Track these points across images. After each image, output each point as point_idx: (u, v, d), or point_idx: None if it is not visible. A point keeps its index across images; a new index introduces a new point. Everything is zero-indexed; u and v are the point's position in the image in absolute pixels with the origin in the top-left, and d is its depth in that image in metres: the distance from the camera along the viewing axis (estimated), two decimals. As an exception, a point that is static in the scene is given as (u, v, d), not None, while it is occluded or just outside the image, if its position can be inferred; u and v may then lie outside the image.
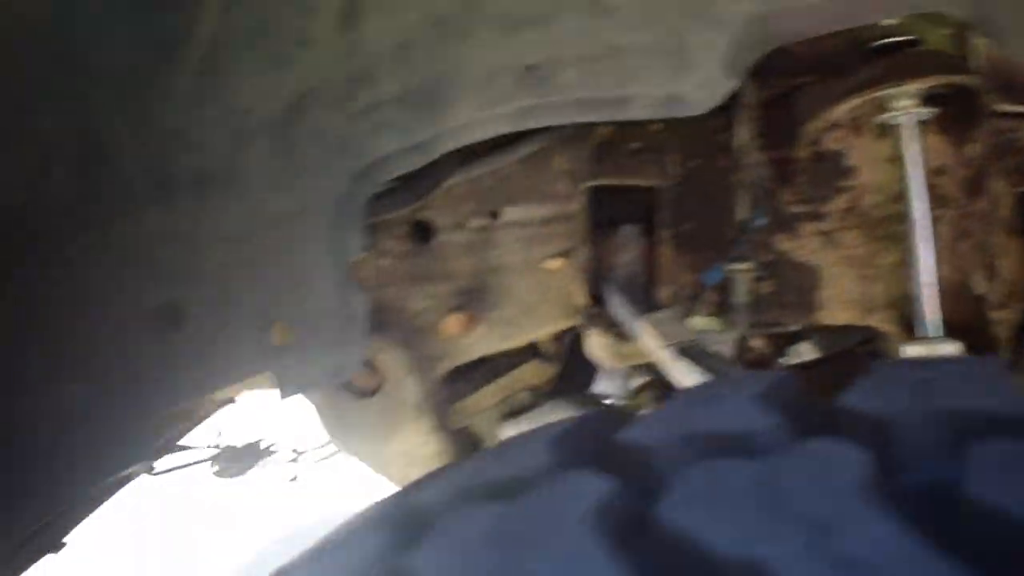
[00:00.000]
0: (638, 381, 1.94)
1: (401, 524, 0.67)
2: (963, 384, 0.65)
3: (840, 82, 1.43)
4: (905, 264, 1.45)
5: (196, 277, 1.37)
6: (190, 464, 2.21)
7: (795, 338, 2.84)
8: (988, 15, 1.13)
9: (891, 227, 1.53)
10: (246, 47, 1.30)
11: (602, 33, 1.28)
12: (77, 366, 1.35)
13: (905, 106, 1.39)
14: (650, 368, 1.70)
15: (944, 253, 1.55)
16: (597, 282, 1.50)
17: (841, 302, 1.60)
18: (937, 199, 1.55)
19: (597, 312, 1.48)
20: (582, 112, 1.32)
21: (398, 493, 0.78)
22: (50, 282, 1.34)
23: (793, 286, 1.61)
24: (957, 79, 1.34)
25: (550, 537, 0.55)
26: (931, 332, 1.39)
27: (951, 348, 1.36)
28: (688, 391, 0.83)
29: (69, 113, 1.30)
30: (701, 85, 1.24)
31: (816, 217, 1.59)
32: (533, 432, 0.77)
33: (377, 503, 0.76)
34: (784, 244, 1.60)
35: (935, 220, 1.55)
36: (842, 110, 1.41)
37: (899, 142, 1.42)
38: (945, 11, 1.16)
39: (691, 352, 1.24)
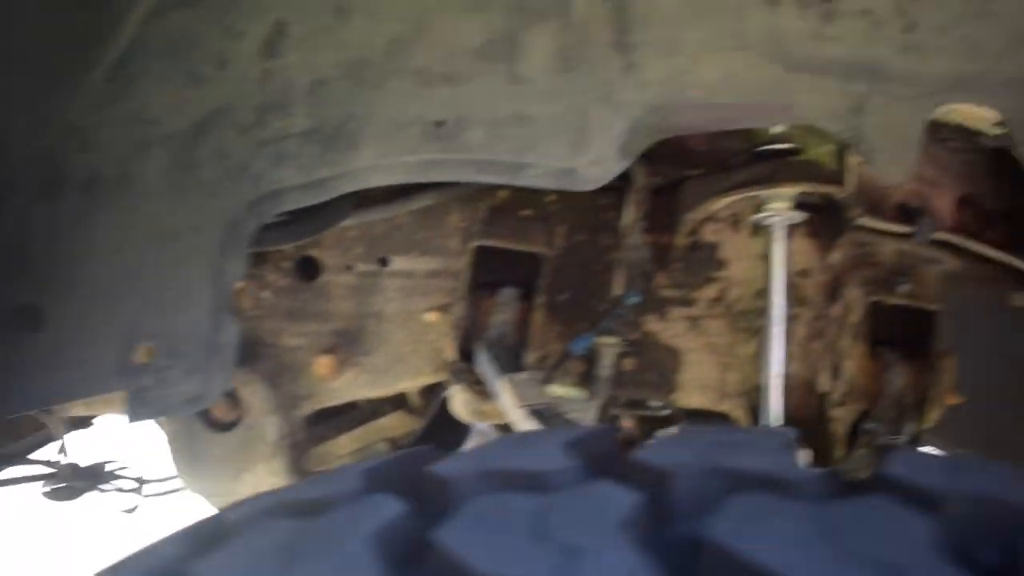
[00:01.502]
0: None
1: (203, 535, 0.71)
2: (745, 447, 0.73)
3: (722, 178, 1.52)
4: (759, 356, 1.53)
5: (66, 282, 1.34)
6: (24, 480, 2.09)
7: (665, 422, 2.94)
8: (860, 135, 1.25)
9: (752, 320, 1.62)
10: (163, 58, 1.30)
11: (511, 100, 1.34)
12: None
13: (777, 208, 1.49)
14: (507, 428, 1.74)
15: (797, 350, 1.66)
16: (469, 340, 1.53)
17: (699, 386, 1.68)
18: (798, 299, 1.66)
19: (463, 368, 1.50)
20: (481, 172, 1.36)
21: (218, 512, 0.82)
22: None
23: (655, 365, 1.67)
24: (826, 190, 1.45)
25: (332, 552, 0.59)
26: (772, 422, 1.47)
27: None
28: (508, 435, 0.89)
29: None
30: (594, 163, 1.31)
31: (686, 303, 1.67)
32: (355, 462, 0.82)
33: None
34: (652, 325, 1.67)
35: (793, 318, 1.65)
36: (720, 205, 1.50)
37: (768, 241, 1.51)
38: (821, 127, 1.26)
39: (542, 415, 1.28)
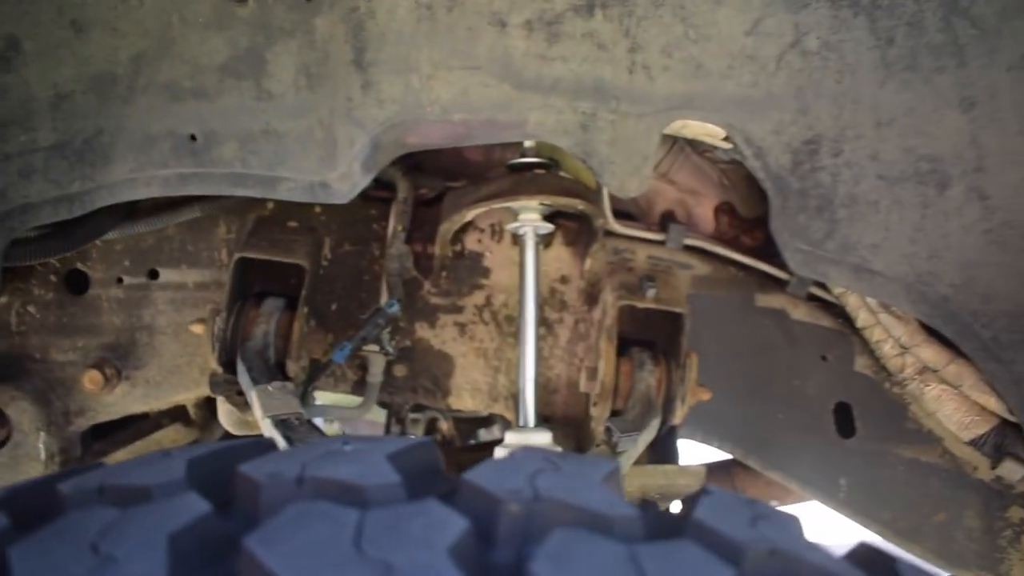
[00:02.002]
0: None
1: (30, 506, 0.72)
2: (573, 478, 0.74)
3: (472, 191, 1.58)
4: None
5: None
6: None
7: (482, 423, 3.00)
8: (590, 150, 1.32)
9: (517, 325, 1.68)
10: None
11: (260, 115, 1.37)
12: None
13: (527, 219, 1.56)
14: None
15: (561, 353, 1.74)
16: (234, 350, 1.54)
17: (471, 389, 1.74)
18: (560, 304, 1.73)
19: (223, 379, 1.51)
20: (236, 186, 1.39)
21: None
22: None
23: (428, 371, 1.72)
24: (568, 201, 1.53)
25: (140, 547, 0.60)
26: (529, 422, 1.54)
27: (543, 437, 1.50)
28: (329, 440, 0.88)
29: None
30: (343, 177, 1.35)
31: (454, 310, 1.72)
32: (178, 449, 0.81)
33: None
34: (423, 332, 1.72)
35: (557, 323, 1.73)
36: (470, 216, 1.57)
37: (522, 251, 1.58)
38: (553, 142, 1.33)
39: (288, 425, 1.30)
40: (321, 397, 1.90)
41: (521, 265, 1.58)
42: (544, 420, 1.82)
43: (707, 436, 1.77)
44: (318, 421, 1.87)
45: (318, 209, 1.71)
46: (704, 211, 1.93)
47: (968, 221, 1.49)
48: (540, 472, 0.74)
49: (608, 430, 1.39)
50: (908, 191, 1.51)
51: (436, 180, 1.71)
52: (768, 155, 1.35)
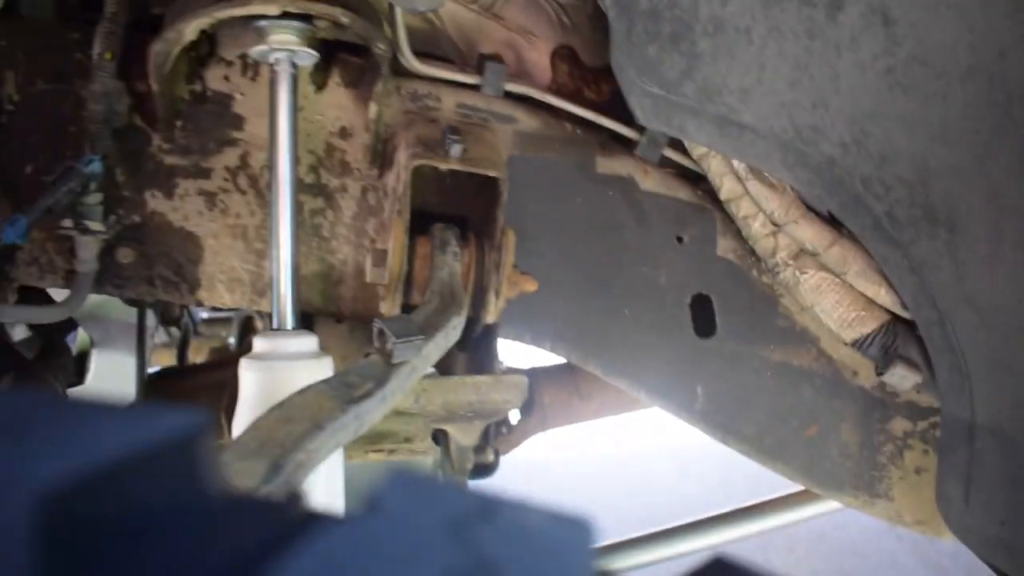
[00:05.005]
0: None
1: None
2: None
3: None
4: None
5: None
6: None
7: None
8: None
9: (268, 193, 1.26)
10: None
11: None
12: None
13: (279, 41, 1.12)
14: None
15: (347, 231, 1.32)
16: None
17: (228, 280, 1.31)
18: (341, 167, 1.31)
19: None
20: None
21: None
22: None
23: (167, 256, 1.28)
24: (324, 9, 1.08)
25: None
26: (285, 323, 1.14)
27: (303, 344, 1.11)
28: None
29: None
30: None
31: (198, 174, 1.28)
32: None
33: None
34: (157, 204, 1.27)
35: (339, 191, 1.32)
36: (194, 31, 1.10)
37: (273, 89, 1.15)
38: None
39: None
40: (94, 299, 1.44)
41: (272, 108, 1.14)
42: (336, 319, 1.43)
43: (536, 337, 1.40)
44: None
45: (-7, 30, 1.22)
46: (539, 56, 1.52)
47: (866, 56, 1.13)
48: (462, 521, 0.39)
49: (381, 333, 0.99)
50: (789, 15, 1.14)
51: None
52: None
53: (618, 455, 5.03)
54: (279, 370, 1.06)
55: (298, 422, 0.80)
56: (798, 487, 1.75)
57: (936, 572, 3.79)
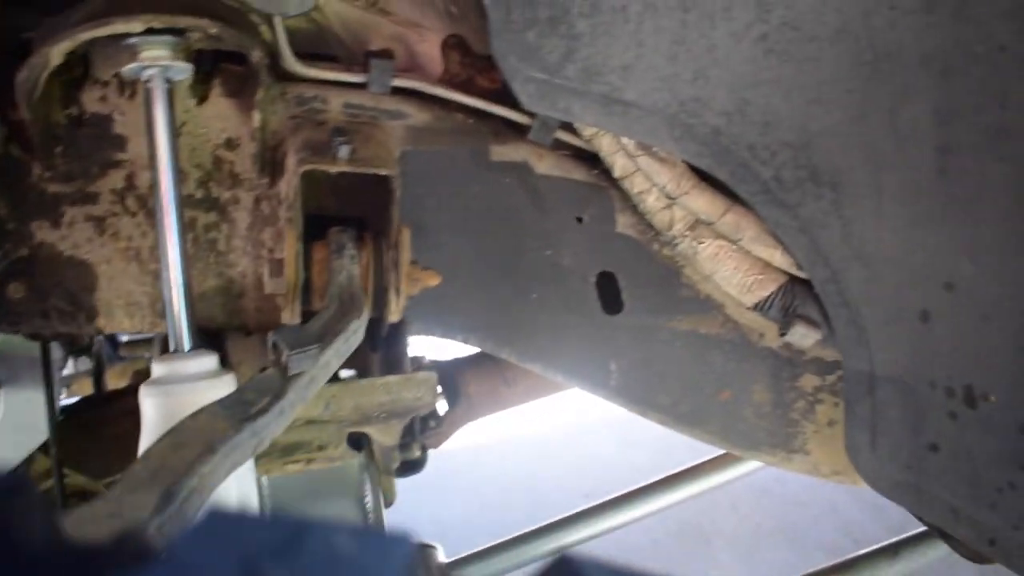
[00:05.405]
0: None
1: None
2: None
3: (68, 17, 1.09)
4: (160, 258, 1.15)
5: None
6: None
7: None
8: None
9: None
10: None
11: None
12: None
13: (151, 57, 1.09)
14: None
15: (244, 243, 1.31)
16: None
17: (125, 305, 1.28)
18: (231, 178, 1.29)
19: None
20: None
21: None
22: None
23: (60, 287, 1.25)
24: (191, 22, 1.06)
25: None
26: (183, 345, 1.12)
27: (202, 364, 1.09)
28: None
29: None
30: None
31: (84, 199, 1.25)
32: None
33: None
34: (44, 234, 1.24)
35: (231, 204, 1.30)
36: (61, 55, 1.07)
37: (148, 106, 1.12)
38: None
39: None
40: None
41: (148, 125, 1.12)
42: (246, 332, 1.41)
43: (446, 331, 1.40)
44: None
45: None
46: (430, 48, 1.51)
47: (739, 25, 1.15)
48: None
49: (275, 345, 0.98)
50: (662, -10, 1.15)
51: (28, 13, 1.19)
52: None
53: (555, 433, 5.07)
54: (179, 393, 1.04)
55: (190, 447, 0.79)
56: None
57: (874, 512, 3.91)
